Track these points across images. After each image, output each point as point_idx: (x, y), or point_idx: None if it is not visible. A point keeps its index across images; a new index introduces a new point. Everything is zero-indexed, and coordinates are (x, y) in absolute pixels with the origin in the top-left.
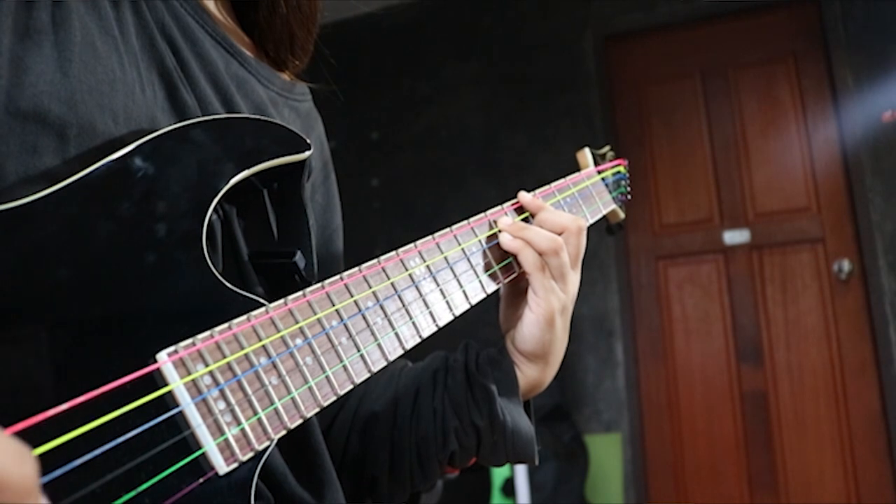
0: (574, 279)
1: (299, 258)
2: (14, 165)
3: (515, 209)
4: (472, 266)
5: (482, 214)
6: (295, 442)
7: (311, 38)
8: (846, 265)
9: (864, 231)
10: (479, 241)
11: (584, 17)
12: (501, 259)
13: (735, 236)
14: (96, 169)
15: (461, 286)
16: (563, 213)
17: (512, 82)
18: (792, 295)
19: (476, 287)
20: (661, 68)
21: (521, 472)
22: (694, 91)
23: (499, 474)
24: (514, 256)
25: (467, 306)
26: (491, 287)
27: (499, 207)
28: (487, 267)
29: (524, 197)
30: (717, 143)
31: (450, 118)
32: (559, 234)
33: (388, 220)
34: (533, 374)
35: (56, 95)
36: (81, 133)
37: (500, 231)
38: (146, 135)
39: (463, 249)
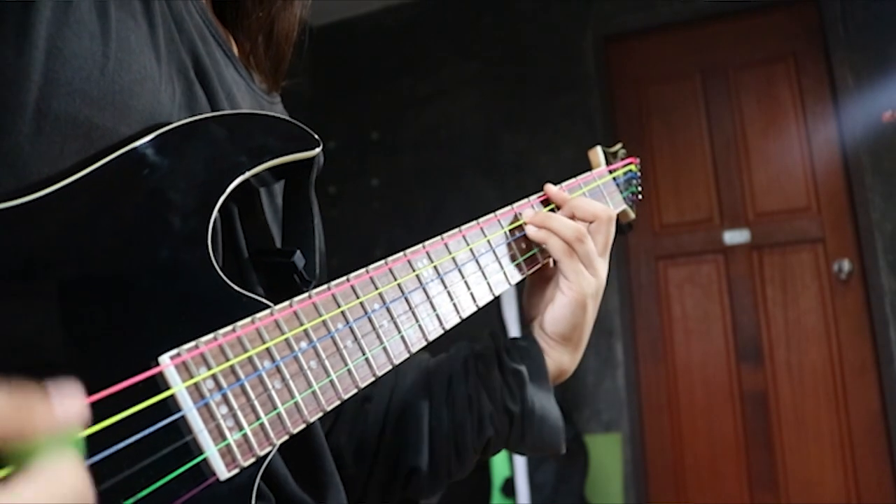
0: (603, 266)
1: (298, 258)
2: (38, 166)
3: (541, 202)
4: (497, 257)
5: (508, 207)
6: (295, 443)
7: (286, 57)
8: (846, 265)
9: (864, 231)
10: (505, 233)
11: (584, 17)
12: (526, 251)
13: (735, 236)
14: (103, 165)
15: (486, 278)
16: (595, 201)
17: (512, 82)
18: (792, 295)
19: (500, 278)
20: (661, 68)
21: (521, 472)
22: (694, 91)
23: (499, 474)
24: (541, 246)
25: (490, 297)
26: (516, 278)
27: (525, 200)
28: (513, 258)
29: (551, 189)
30: (717, 143)
31: (450, 118)
32: (590, 222)
33: (388, 220)
34: (561, 359)
35: (89, 96)
36: (104, 136)
37: (525, 223)
38: (155, 129)
39: (489, 241)
